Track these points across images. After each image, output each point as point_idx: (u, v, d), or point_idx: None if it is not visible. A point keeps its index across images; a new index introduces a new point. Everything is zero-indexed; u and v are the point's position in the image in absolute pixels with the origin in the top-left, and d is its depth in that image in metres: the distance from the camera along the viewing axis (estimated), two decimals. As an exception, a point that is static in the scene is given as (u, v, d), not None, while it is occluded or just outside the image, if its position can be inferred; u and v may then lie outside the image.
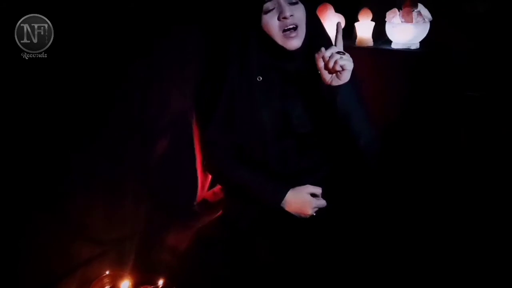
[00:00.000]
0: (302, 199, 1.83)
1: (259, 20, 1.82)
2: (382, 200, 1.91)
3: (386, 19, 2.74)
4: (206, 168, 2.10)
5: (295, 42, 1.83)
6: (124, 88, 1.77)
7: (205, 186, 2.29)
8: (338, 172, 1.96)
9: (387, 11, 2.73)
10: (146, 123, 1.90)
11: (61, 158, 1.62)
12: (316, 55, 1.77)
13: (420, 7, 2.70)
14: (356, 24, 2.79)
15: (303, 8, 1.85)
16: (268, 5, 1.81)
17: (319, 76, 1.82)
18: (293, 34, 1.81)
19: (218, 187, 2.34)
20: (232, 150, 1.94)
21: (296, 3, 1.83)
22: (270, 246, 1.83)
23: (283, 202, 1.83)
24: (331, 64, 1.72)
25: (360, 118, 1.84)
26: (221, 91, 1.91)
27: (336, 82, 1.76)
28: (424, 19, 2.69)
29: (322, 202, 1.84)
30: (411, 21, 2.68)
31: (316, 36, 1.89)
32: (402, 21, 2.70)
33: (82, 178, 1.70)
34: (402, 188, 2.18)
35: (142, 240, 1.92)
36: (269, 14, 1.81)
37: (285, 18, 1.79)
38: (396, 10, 2.71)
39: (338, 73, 1.74)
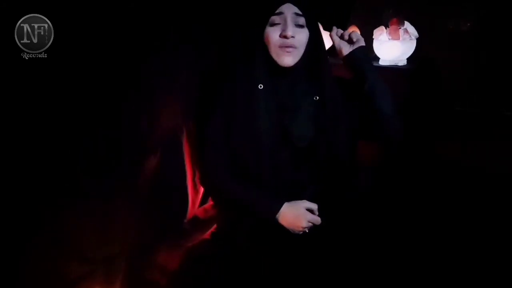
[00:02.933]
0: (297, 212, 1.81)
1: (263, 30, 1.83)
2: (375, 215, 1.90)
3: (373, 37, 2.77)
4: (200, 182, 2.07)
5: (288, 59, 1.83)
6: (116, 103, 1.75)
7: (195, 203, 2.26)
8: (331, 188, 1.95)
9: (374, 28, 2.77)
10: (136, 140, 1.87)
11: (52, 171, 1.58)
12: (330, 33, 1.96)
13: (407, 24, 2.76)
14: (344, 41, 2.81)
15: (307, 33, 1.85)
16: (274, 18, 1.82)
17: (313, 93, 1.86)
18: (286, 51, 1.82)
19: (209, 204, 2.31)
20: (227, 164, 1.92)
21: (302, 26, 1.83)
22: (267, 262, 1.80)
23: (278, 214, 1.81)
24: (347, 34, 1.93)
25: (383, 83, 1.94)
26: (220, 97, 1.91)
27: (358, 44, 1.92)
28: (410, 36, 2.75)
29: (316, 218, 1.82)
30: (398, 38, 2.73)
31: (316, 60, 1.90)
32: (389, 39, 2.74)
33: (71, 194, 1.65)
34: (393, 203, 2.19)
35: (131, 258, 1.87)
36: (273, 28, 1.82)
37: (285, 37, 1.80)
38: (383, 27, 2.76)
39: (354, 42, 1.92)
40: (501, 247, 2.19)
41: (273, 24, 1.82)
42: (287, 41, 1.80)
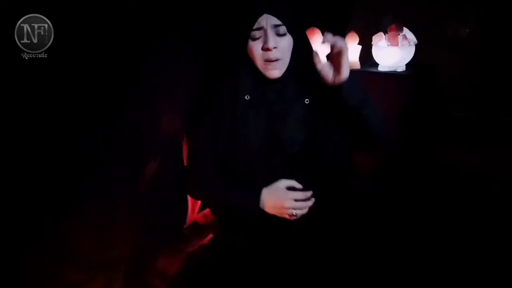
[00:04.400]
0: (277, 193, 1.78)
1: (246, 44, 1.83)
2: (374, 219, 1.90)
3: (372, 43, 2.78)
4: (185, 187, 2.05)
5: (274, 73, 1.82)
6: (116, 103, 1.75)
7: (195, 208, 2.25)
8: (328, 192, 1.94)
9: (374, 34, 2.78)
10: (136, 142, 1.87)
11: (51, 174, 1.58)
12: (314, 57, 1.73)
13: (405, 30, 2.77)
14: (343, 47, 2.83)
15: (290, 39, 1.83)
16: (255, 33, 1.81)
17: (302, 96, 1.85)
18: (271, 66, 1.81)
19: (208, 210, 2.30)
20: (212, 169, 1.91)
21: (283, 34, 1.81)
22: (266, 267, 1.79)
23: (260, 202, 1.79)
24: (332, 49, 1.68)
25: (371, 106, 1.81)
26: (210, 109, 1.91)
27: (339, 80, 1.72)
28: (409, 42, 2.76)
29: (298, 194, 1.78)
30: (397, 44, 2.74)
31: (304, 64, 1.88)
32: (388, 45, 2.75)
33: (71, 199, 1.65)
34: (393, 208, 2.19)
35: (131, 264, 1.86)
36: (255, 42, 1.81)
37: (267, 49, 1.79)
38: (382, 33, 2.77)
39: (338, 70, 1.70)
40: (500, 250, 2.18)
41: (254, 39, 1.81)
42: (270, 53, 1.78)
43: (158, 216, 1.97)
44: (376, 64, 2.80)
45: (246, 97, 1.83)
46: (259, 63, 1.80)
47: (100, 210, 1.73)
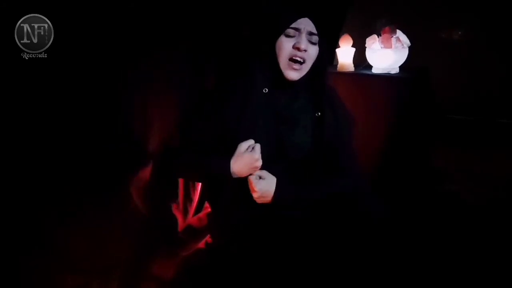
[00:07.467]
0: (242, 158, 1.80)
1: (276, 38, 1.86)
2: (369, 227, 1.90)
3: (366, 45, 2.80)
4: (157, 157, 2.02)
5: (294, 74, 1.85)
6: (115, 104, 1.75)
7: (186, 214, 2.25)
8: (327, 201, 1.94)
9: (367, 37, 2.79)
10: (133, 148, 1.87)
11: (50, 178, 1.57)
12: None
13: (399, 33, 2.78)
14: (337, 50, 2.84)
15: (317, 51, 1.86)
16: (290, 31, 1.84)
17: (313, 108, 1.88)
18: (296, 66, 1.84)
19: (203, 213, 2.29)
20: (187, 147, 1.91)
21: (314, 43, 1.85)
22: (261, 270, 1.79)
23: (231, 171, 1.80)
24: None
25: (326, 191, 1.86)
26: (216, 101, 1.91)
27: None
28: (403, 44, 2.77)
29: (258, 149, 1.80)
30: (390, 47, 2.75)
31: (319, 76, 1.91)
32: (381, 47, 2.76)
33: (67, 206, 1.64)
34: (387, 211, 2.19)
35: (127, 269, 1.86)
36: (287, 38, 1.84)
37: (298, 49, 1.82)
38: (375, 36, 2.78)
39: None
40: (498, 252, 2.19)
41: (288, 36, 1.84)
42: (299, 53, 1.82)
43: (153, 220, 1.96)
44: (370, 67, 2.81)
45: (264, 90, 1.85)
46: (283, 60, 1.83)
47: (96, 216, 1.73)
